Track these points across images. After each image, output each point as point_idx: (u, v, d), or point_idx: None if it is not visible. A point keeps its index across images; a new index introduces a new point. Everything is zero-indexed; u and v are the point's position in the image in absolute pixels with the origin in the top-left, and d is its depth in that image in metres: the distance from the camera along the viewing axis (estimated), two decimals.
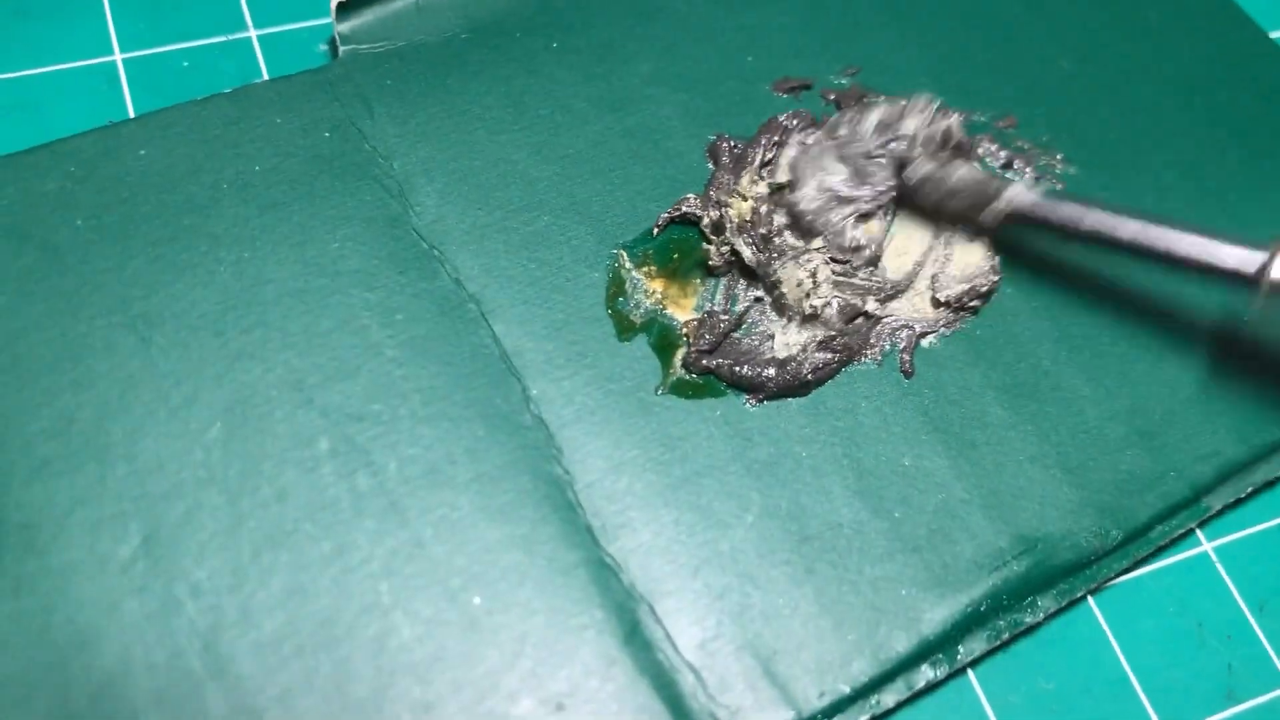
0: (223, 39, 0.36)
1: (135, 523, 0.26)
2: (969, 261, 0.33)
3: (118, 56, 0.35)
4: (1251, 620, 0.30)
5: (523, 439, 0.29)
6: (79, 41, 0.35)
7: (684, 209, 0.33)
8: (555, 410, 0.29)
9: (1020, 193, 0.31)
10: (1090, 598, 0.30)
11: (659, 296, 0.32)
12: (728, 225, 0.32)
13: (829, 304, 0.31)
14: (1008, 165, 0.36)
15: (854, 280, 0.32)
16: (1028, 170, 0.36)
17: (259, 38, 0.36)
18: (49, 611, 0.25)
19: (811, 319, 0.31)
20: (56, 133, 0.32)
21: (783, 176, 0.33)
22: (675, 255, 0.33)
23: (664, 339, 0.31)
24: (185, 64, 0.35)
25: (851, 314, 0.31)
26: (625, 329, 0.31)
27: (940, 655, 0.28)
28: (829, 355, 0.31)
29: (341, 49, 0.34)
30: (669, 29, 0.37)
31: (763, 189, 0.33)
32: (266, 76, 0.35)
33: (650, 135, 0.35)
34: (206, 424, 0.28)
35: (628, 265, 0.32)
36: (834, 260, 0.32)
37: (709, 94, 0.36)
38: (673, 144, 0.34)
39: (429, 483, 0.28)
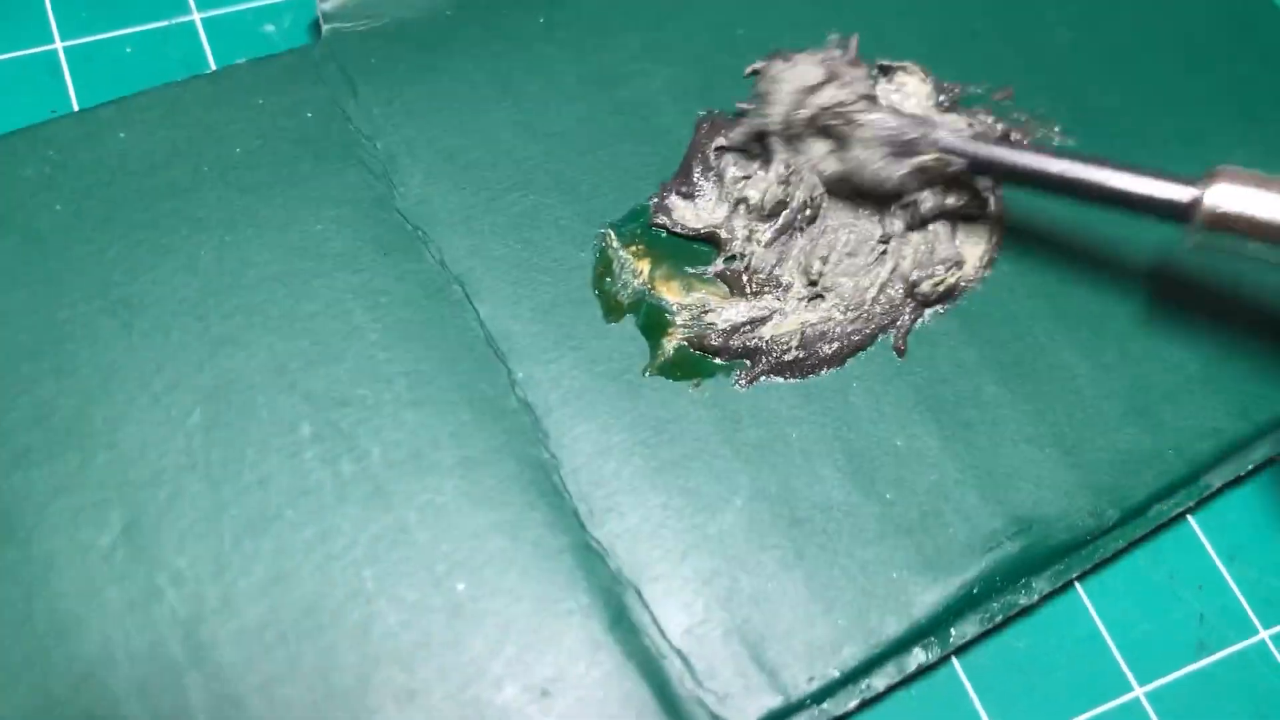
0: (165, 23, 0.35)
1: (116, 510, 0.26)
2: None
3: (58, 45, 0.34)
4: (1223, 570, 0.30)
5: (508, 423, 0.29)
6: (17, 31, 0.34)
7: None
8: (541, 393, 0.29)
9: (944, 135, 0.31)
10: None
11: (646, 277, 0.31)
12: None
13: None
14: (1005, 137, 0.35)
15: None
16: (1024, 142, 0.35)
17: (202, 20, 0.35)
18: (29, 600, 0.25)
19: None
20: None
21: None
22: (664, 234, 0.32)
23: (652, 320, 0.31)
24: (128, 50, 0.34)
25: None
26: (613, 310, 0.31)
27: (932, 638, 0.27)
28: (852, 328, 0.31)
29: (325, 28, 0.34)
30: (659, 2, 0.36)
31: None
32: (211, 59, 0.34)
33: (639, 111, 0.34)
34: (188, 410, 0.28)
35: (615, 245, 0.32)
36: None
37: (699, 68, 0.35)
38: (662, 120, 0.34)
39: (413, 468, 0.28)
